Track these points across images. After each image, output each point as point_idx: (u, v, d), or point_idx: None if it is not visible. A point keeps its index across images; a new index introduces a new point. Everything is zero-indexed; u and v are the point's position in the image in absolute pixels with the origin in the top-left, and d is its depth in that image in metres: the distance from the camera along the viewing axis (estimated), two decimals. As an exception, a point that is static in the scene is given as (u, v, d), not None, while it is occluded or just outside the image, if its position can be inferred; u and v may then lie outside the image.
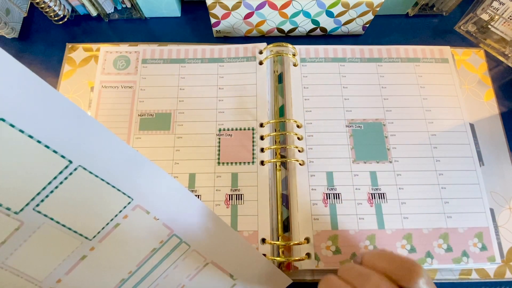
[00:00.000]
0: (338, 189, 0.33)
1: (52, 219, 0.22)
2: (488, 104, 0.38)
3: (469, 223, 0.32)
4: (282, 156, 0.35)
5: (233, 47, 0.39)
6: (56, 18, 0.41)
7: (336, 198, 0.33)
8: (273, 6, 0.37)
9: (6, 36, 0.41)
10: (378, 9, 0.37)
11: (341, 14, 0.38)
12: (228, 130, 0.35)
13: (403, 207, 0.32)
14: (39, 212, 0.22)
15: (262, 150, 0.34)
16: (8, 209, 0.21)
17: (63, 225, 0.23)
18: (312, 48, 0.39)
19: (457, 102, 0.37)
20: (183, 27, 0.43)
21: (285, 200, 0.34)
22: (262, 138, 0.35)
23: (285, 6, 0.37)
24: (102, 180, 0.22)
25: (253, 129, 0.35)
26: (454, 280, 0.32)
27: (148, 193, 0.24)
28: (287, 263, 0.31)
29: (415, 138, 0.35)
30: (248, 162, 0.34)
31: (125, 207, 0.24)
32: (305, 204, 0.32)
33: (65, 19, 0.42)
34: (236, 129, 0.35)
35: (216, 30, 0.41)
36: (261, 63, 0.38)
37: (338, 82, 0.37)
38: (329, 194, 0.33)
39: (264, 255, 0.30)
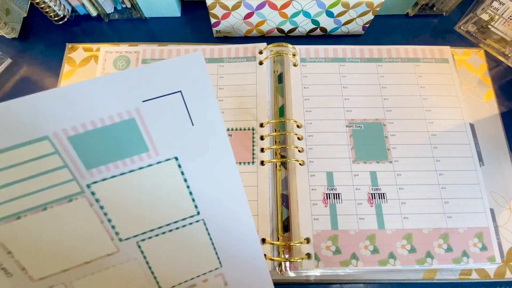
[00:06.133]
0: (338, 189, 0.33)
1: (145, 257, 0.22)
2: (488, 104, 0.38)
3: (469, 223, 0.32)
4: (282, 156, 0.35)
5: (233, 47, 0.39)
6: (56, 18, 0.41)
7: (336, 198, 0.33)
8: (273, 6, 0.37)
9: (6, 36, 0.41)
10: (378, 9, 0.37)
11: (341, 14, 0.38)
12: (228, 130, 0.35)
13: (403, 207, 0.32)
14: (139, 247, 0.22)
15: (262, 150, 0.34)
16: (117, 233, 0.21)
17: (149, 267, 0.22)
18: (312, 48, 0.39)
19: (457, 102, 0.37)
20: (183, 27, 0.43)
21: (285, 200, 0.34)
22: (262, 138, 0.35)
23: (285, 6, 0.37)
24: (210, 239, 0.22)
25: (253, 129, 0.35)
26: (454, 280, 0.32)
27: (238, 268, 0.23)
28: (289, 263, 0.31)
29: (415, 138, 0.35)
30: (248, 162, 0.34)
31: (211, 271, 0.23)
32: (305, 204, 0.32)
33: (65, 19, 0.42)
34: (236, 129, 0.35)
35: (216, 30, 0.41)
36: (261, 63, 0.38)
37: (338, 82, 0.37)
38: (329, 194, 0.33)
39: (265, 255, 0.30)
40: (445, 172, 0.34)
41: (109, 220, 0.20)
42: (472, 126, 0.37)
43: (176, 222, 0.21)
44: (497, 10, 0.39)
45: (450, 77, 0.38)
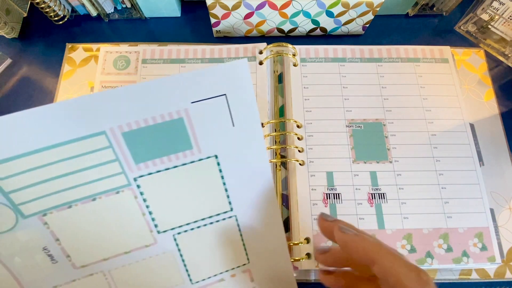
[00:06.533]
0: (338, 189, 0.33)
1: (179, 250, 0.23)
2: (488, 104, 0.38)
3: (469, 223, 0.32)
4: (282, 156, 0.35)
5: (233, 47, 0.39)
6: (56, 18, 0.41)
7: (336, 198, 0.33)
8: (273, 6, 0.37)
9: (6, 36, 0.41)
10: (378, 9, 0.37)
11: (341, 14, 0.38)
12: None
13: (403, 207, 0.32)
14: (175, 239, 0.23)
15: (262, 150, 0.34)
16: (156, 226, 0.22)
17: (183, 260, 0.23)
18: (312, 48, 0.39)
19: (457, 102, 0.37)
20: (183, 27, 0.43)
21: (285, 200, 0.34)
22: (262, 138, 0.35)
23: (285, 6, 0.37)
24: (241, 236, 0.23)
25: (253, 129, 0.35)
26: (454, 280, 0.32)
27: (264, 266, 0.24)
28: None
29: (415, 138, 0.35)
30: (248, 162, 0.34)
31: (239, 266, 0.24)
32: (305, 204, 0.32)
33: (65, 19, 0.42)
34: (236, 129, 0.35)
35: (216, 30, 0.41)
36: (261, 63, 0.38)
37: (338, 82, 0.37)
38: (329, 194, 0.33)
39: None
40: (445, 172, 0.34)
41: (150, 213, 0.21)
42: (472, 126, 0.37)
43: (210, 217, 0.22)
44: (497, 10, 0.39)
45: (450, 77, 0.38)
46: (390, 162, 0.34)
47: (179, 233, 0.22)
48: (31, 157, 0.18)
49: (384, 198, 0.33)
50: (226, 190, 0.22)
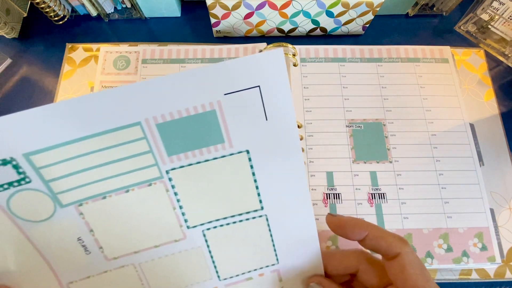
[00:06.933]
0: (338, 189, 0.33)
1: (208, 246, 0.23)
2: (488, 104, 0.38)
3: (469, 223, 0.32)
4: (282, 156, 0.35)
5: (233, 47, 0.39)
6: (56, 18, 0.41)
7: (336, 198, 0.33)
8: (273, 6, 0.37)
9: (6, 36, 0.41)
10: (378, 9, 0.37)
11: (341, 14, 0.38)
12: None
13: (403, 207, 0.32)
14: (204, 235, 0.22)
15: (262, 150, 0.34)
16: (186, 221, 0.22)
17: (211, 256, 0.23)
18: (312, 48, 0.39)
19: (457, 102, 0.37)
20: (183, 27, 0.43)
21: (285, 200, 0.34)
22: (262, 138, 0.35)
23: (285, 6, 0.37)
24: (271, 236, 0.23)
25: (253, 129, 0.35)
26: (454, 280, 0.32)
27: (294, 267, 0.24)
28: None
29: (415, 138, 0.35)
30: (248, 162, 0.34)
31: (267, 266, 0.24)
32: (305, 204, 0.32)
33: (65, 19, 0.42)
34: (236, 129, 0.35)
35: (216, 30, 0.41)
36: (261, 63, 0.38)
37: (338, 82, 0.37)
38: (329, 194, 0.33)
39: None
40: (445, 172, 0.34)
41: (181, 207, 0.21)
42: (472, 126, 0.37)
43: (240, 214, 0.22)
44: (497, 10, 0.39)
45: (450, 77, 0.38)
46: (390, 162, 0.34)
47: (208, 229, 0.22)
48: (70, 147, 0.18)
49: (384, 198, 0.33)
50: (257, 187, 0.21)
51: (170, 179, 0.20)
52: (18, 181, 0.19)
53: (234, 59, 0.18)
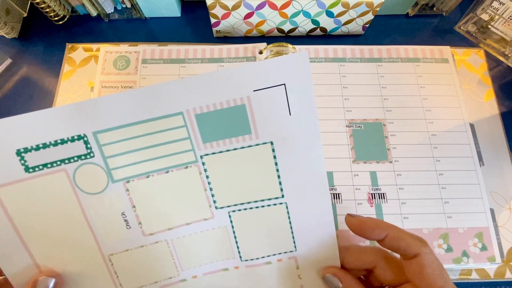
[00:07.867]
0: (338, 189, 0.33)
1: (233, 227, 0.25)
2: (488, 104, 0.38)
3: (469, 223, 0.32)
4: (282, 156, 0.35)
5: (233, 47, 0.39)
6: (56, 18, 0.41)
7: (336, 198, 0.33)
8: (273, 6, 0.37)
9: (6, 36, 0.41)
10: (378, 9, 0.37)
11: (341, 14, 0.38)
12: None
13: (403, 207, 0.32)
14: (230, 216, 0.24)
15: (262, 150, 0.34)
16: (215, 202, 0.24)
17: (235, 236, 0.25)
18: (312, 48, 0.39)
19: (457, 102, 0.37)
20: (183, 27, 0.43)
21: (285, 200, 0.34)
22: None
23: (285, 6, 0.37)
24: (290, 223, 0.24)
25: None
26: (454, 280, 0.32)
27: (311, 256, 0.25)
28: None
29: (415, 138, 0.35)
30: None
31: (285, 252, 0.25)
32: (305, 204, 0.32)
33: (65, 19, 0.42)
34: (236, 129, 0.35)
35: (216, 30, 0.41)
36: (261, 63, 0.38)
37: (338, 82, 0.37)
38: (329, 194, 0.33)
39: None
40: (445, 172, 0.34)
41: (211, 189, 0.24)
42: (472, 126, 0.37)
43: (262, 200, 0.24)
44: (497, 10, 0.39)
45: (450, 77, 0.38)
46: (390, 162, 0.34)
47: (233, 211, 0.24)
48: (127, 129, 0.22)
49: (384, 198, 0.33)
50: (278, 176, 0.23)
51: (203, 163, 0.23)
52: (85, 155, 0.22)
53: (264, 60, 0.21)
